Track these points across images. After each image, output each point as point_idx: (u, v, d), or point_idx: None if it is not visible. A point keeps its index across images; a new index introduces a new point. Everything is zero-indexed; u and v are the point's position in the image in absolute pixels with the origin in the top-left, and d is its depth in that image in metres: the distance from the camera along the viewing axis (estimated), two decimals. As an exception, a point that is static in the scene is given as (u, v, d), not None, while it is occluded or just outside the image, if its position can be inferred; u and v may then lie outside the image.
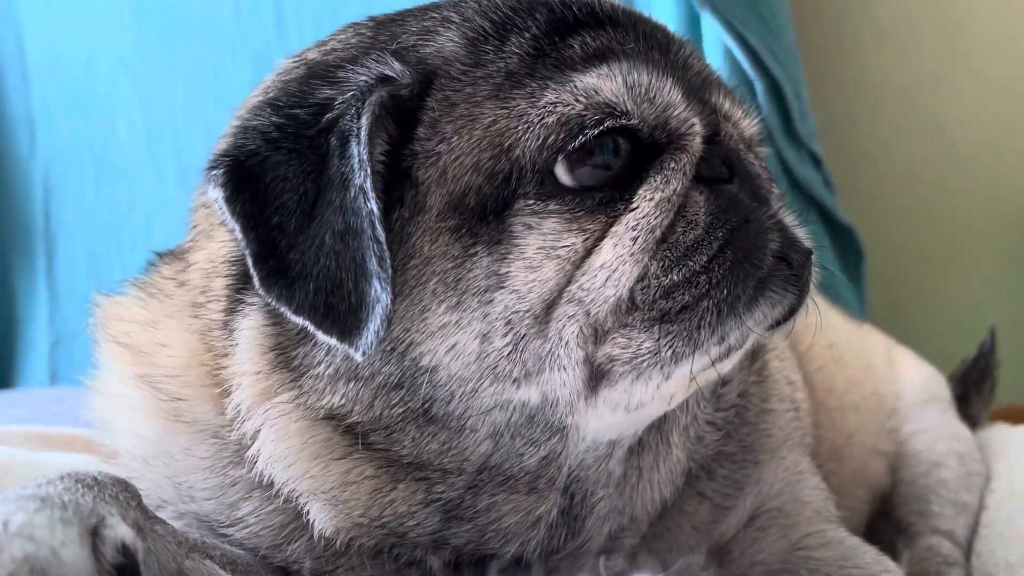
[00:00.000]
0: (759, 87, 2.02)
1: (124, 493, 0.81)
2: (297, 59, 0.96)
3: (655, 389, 0.85)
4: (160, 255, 1.06)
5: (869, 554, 1.07)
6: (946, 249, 2.56)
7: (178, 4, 2.51)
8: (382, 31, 0.92)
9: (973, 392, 1.81)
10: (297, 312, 0.80)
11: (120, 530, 0.72)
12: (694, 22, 2.05)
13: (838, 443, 1.43)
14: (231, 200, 0.82)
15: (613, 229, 0.83)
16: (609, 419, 0.88)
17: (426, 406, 0.85)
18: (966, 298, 2.53)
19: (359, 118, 0.81)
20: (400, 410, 0.85)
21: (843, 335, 1.62)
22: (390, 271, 0.79)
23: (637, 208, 0.83)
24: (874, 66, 2.56)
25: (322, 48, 0.95)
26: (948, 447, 1.53)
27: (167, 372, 0.94)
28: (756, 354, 1.08)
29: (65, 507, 0.70)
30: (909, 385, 1.64)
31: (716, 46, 2.03)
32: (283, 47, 2.29)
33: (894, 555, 1.34)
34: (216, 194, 0.82)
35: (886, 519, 1.51)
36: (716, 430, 1.03)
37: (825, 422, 1.40)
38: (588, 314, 0.82)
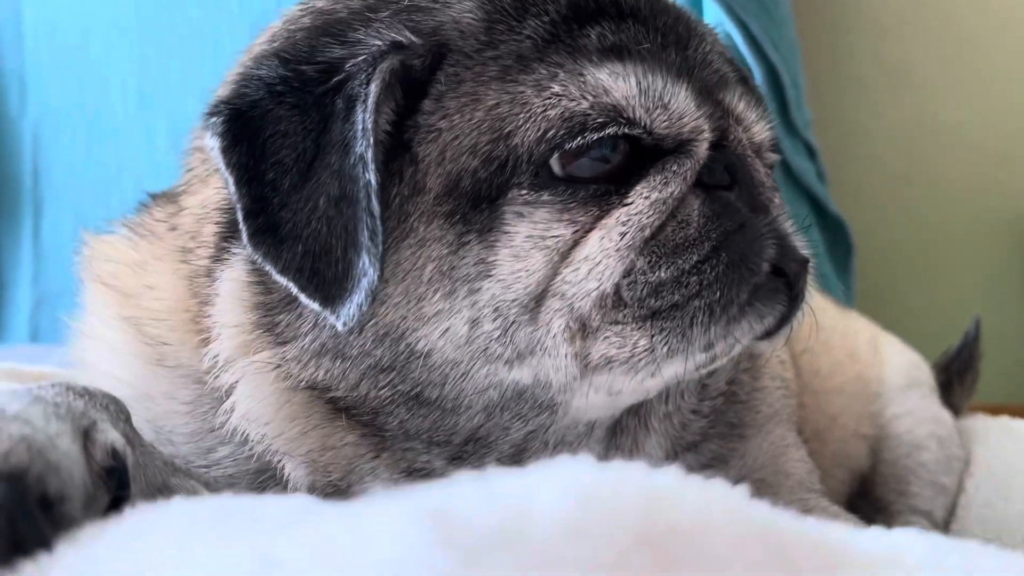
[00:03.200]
0: (758, 74, 2.03)
1: (114, 406, 0.80)
2: (304, 7, 0.93)
3: (639, 383, 0.85)
4: (153, 196, 1.05)
5: (850, 522, 1.07)
6: (934, 247, 2.58)
7: (178, -31, 2.49)
8: None
9: (955, 382, 1.82)
10: (283, 272, 0.78)
11: (111, 435, 0.71)
12: (698, 5, 2.06)
13: (821, 425, 1.44)
14: (227, 151, 0.80)
15: (604, 221, 0.81)
16: (593, 399, 0.87)
17: (417, 390, 0.84)
18: (951, 295, 2.55)
19: (368, 84, 0.78)
20: (388, 392, 0.84)
21: (829, 319, 1.63)
22: (381, 247, 0.77)
23: (631, 204, 0.82)
24: (871, 64, 2.58)
25: None
26: (929, 430, 1.54)
27: (153, 315, 0.93)
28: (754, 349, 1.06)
29: (58, 406, 0.69)
30: (893, 370, 1.65)
31: (717, 31, 2.03)
32: (282, 16, 2.27)
33: (873, 532, 1.35)
34: (213, 143, 0.80)
35: (865, 499, 1.52)
36: (702, 417, 1.02)
37: (809, 403, 1.40)
38: (572, 308, 0.81)
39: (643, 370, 0.83)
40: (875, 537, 0.51)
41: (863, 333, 1.73)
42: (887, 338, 1.76)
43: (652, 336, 0.81)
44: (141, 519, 0.51)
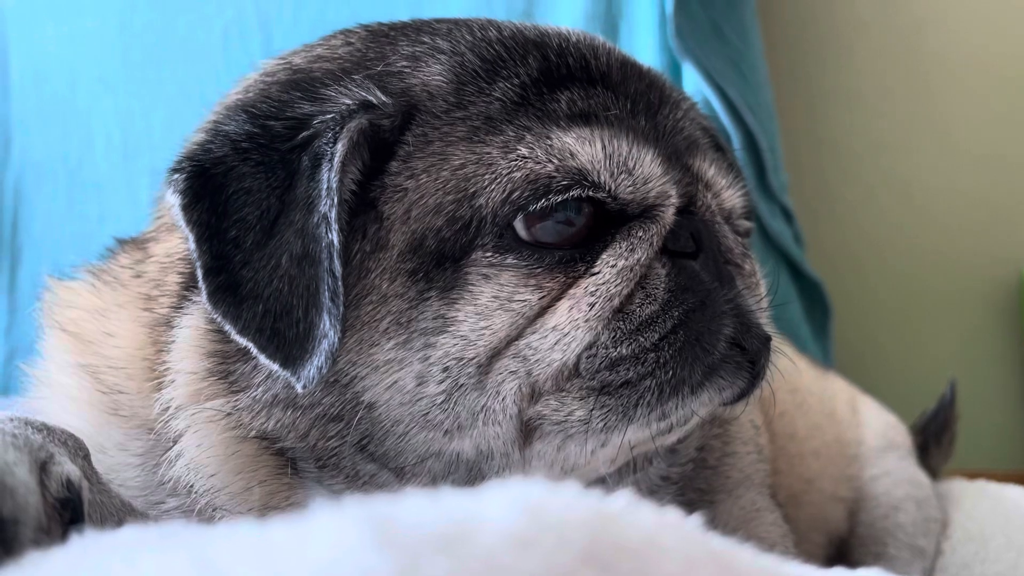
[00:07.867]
0: (736, 140, 2.07)
1: (73, 442, 0.80)
2: (282, 61, 0.95)
3: (589, 454, 0.84)
4: (121, 242, 1.04)
5: None
6: (911, 310, 2.59)
7: (166, 26, 2.52)
8: (372, 47, 0.90)
9: (932, 444, 1.81)
10: (242, 333, 0.77)
11: (67, 467, 0.70)
12: (676, 72, 2.10)
13: (797, 489, 1.43)
14: (188, 208, 0.79)
15: (571, 291, 0.81)
16: (546, 477, 0.85)
17: (363, 442, 0.83)
18: (928, 359, 2.56)
19: (335, 143, 0.78)
20: (336, 443, 0.83)
21: (807, 381, 1.62)
22: (342, 308, 0.76)
23: (599, 273, 0.82)
24: (847, 129, 2.63)
25: (309, 54, 0.93)
26: (907, 492, 1.53)
27: (111, 363, 0.92)
28: (719, 415, 1.06)
29: (16, 437, 0.69)
30: (871, 431, 1.64)
31: (696, 97, 2.06)
32: (269, 74, 2.29)
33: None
34: (174, 200, 0.80)
35: (842, 562, 1.50)
36: (671, 484, 1.01)
37: (784, 468, 1.39)
38: (530, 374, 0.80)
39: (576, 438, 0.82)
40: (837, 574, 0.50)
41: (842, 395, 1.73)
42: (865, 400, 1.76)
43: (591, 410, 0.81)
44: (89, 541, 0.50)
